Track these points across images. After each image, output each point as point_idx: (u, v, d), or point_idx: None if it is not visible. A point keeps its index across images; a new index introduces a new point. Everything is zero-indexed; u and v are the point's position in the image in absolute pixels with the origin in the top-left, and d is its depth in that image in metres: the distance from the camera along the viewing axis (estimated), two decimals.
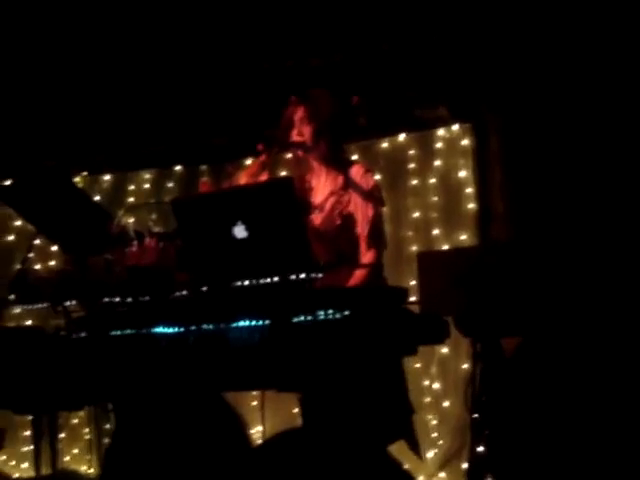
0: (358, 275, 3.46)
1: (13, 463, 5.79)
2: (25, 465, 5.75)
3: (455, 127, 5.16)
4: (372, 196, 3.56)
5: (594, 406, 2.88)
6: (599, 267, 3.12)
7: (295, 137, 3.60)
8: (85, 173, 5.89)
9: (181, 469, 1.80)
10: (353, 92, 3.68)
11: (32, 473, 4.71)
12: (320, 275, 2.76)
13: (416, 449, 3.16)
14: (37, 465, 3.71)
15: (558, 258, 3.16)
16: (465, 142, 5.12)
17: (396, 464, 1.50)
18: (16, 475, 5.78)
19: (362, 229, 3.54)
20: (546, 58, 4.60)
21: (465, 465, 4.63)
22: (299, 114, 3.60)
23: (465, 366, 4.87)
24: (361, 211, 3.54)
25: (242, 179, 3.58)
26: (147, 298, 3.10)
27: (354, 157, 5.07)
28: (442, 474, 4.90)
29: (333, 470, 1.45)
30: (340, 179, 3.61)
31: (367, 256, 3.53)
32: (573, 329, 3.02)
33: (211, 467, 1.81)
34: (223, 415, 1.98)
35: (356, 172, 3.60)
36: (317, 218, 3.61)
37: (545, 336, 3.08)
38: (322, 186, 3.67)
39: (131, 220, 3.53)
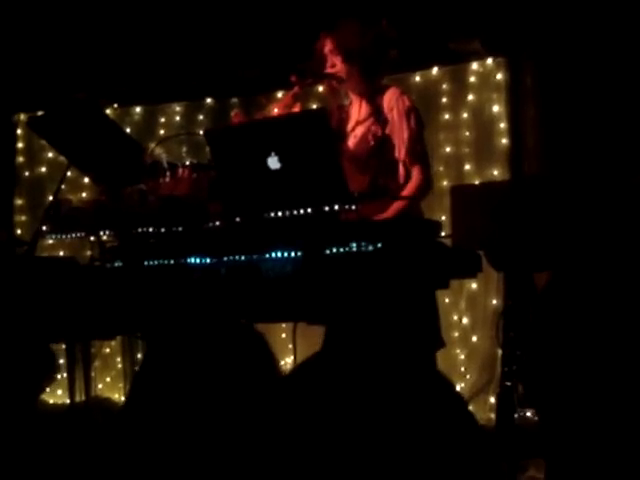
0: (395, 206, 3.36)
1: (48, 390, 5.90)
2: (59, 392, 5.87)
3: (489, 61, 5.08)
4: (408, 116, 3.47)
5: (625, 341, 2.88)
6: (631, 201, 3.09)
7: (328, 69, 3.56)
8: (115, 105, 5.90)
9: (209, 398, 1.81)
10: (385, 22, 3.61)
11: (66, 400, 4.80)
12: (353, 207, 2.76)
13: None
14: (71, 392, 3.77)
15: (590, 193, 3.13)
16: (499, 76, 5.04)
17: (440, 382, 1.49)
18: (51, 401, 5.91)
19: (399, 152, 3.46)
20: None
21: (492, 399, 4.68)
22: (329, 46, 3.54)
23: (494, 302, 4.88)
24: (397, 133, 3.46)
25: (274, 111, 3.55)
26: (180, 229, 3.12)
27: None
28: (469, 407, 4.94)
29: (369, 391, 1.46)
30: (375, 105, 3.54)
31: (413, 176, 3.44)
32: (605, 264, 3.00)
33: (240, 396, 1.82)
34: (253, 345, 1.98)
35: (391, 95, 3.52)
36: (351, 143, 3.56)
37: (577, 270, 3.07)
38: (358, 115, 3.62)
39: (163, 152, 3.52)
